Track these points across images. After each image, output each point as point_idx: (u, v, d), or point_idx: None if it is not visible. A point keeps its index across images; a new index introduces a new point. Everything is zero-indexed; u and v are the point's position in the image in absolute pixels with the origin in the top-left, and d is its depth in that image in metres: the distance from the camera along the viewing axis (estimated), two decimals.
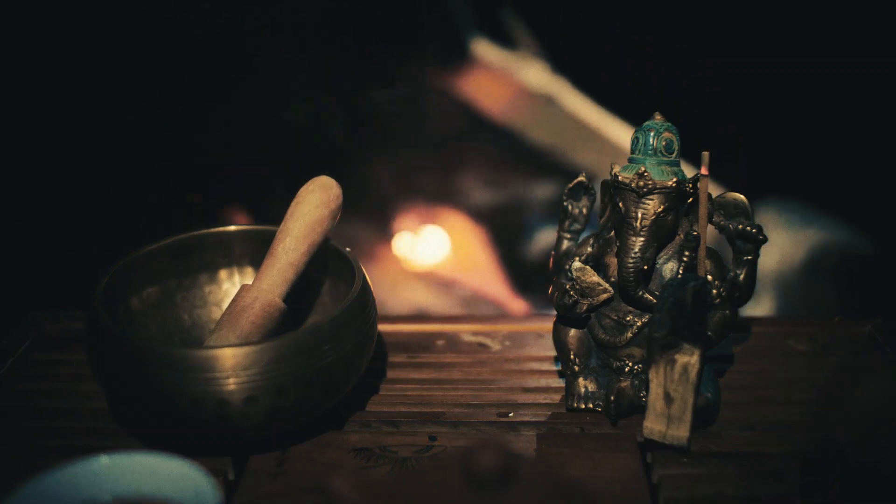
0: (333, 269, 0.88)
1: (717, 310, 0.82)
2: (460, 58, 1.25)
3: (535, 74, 1.26)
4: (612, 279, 0.82)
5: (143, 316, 0.87)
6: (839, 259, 1.24)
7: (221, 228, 0.92)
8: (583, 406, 0.84)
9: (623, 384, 0.82)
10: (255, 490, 0.75)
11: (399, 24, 1.23)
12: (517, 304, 1.32)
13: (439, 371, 0.92)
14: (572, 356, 0.84)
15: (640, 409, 0.81)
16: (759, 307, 1.25)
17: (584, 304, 0.81)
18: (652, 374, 0.76)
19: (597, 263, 0.84)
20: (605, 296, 0.81)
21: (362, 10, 1.22)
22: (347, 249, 0.87)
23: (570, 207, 0.89)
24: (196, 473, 0.65)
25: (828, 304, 1.26)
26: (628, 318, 0.82)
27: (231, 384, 0.73)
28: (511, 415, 0.85)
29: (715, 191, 0.82)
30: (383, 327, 0.97)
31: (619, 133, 1.29)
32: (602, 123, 1.27)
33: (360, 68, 1.25)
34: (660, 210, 0.79)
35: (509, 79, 1.27)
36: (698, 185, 0.80)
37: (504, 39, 1.26)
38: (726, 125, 1.17)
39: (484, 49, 1.25)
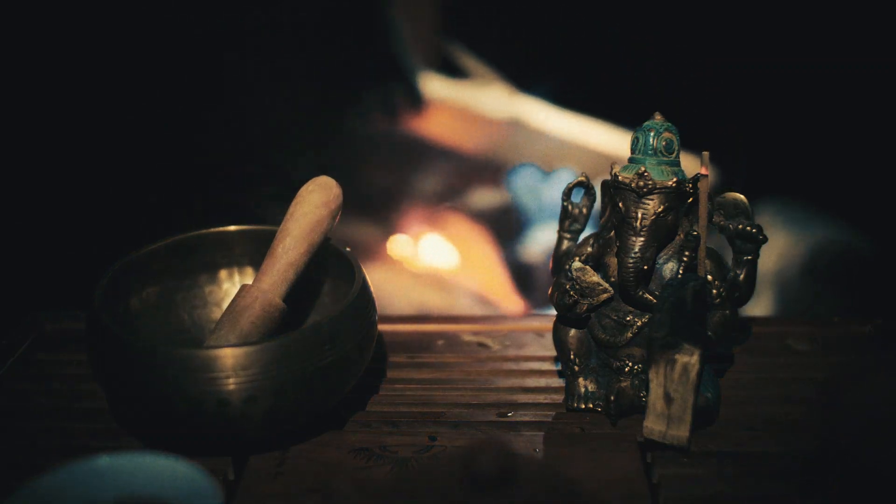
0: (333, 269, 0.88)
1: (717, 310, 0.82)
2: (413, 101, 1.26)
3: (496, 99, 1.26)
4: (612, 279, 0.82)
5: (143, 316, 0.87)
6: (839, 259, 1.24)
7: (221, 228, 0.92)
8: (583, 406, 0.84)
9: (623, 384, 0.82)
10: (255, 490, 0.75)
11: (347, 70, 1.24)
12: (517, 304, 1.31)
13: (439, 371, 0.92)
14: (572, 356, 0.84)
15: (640, 409, 0.81)
16: (759, 307, 1.25)
17: (584, 304, 0.81)
18: (652, 374, 0.76)
19: (597, 263, 0.84)
20: (605, 296, 0.81)
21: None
22: (347, 249, 0.87)
23: (570, 207, 0.89)
24: (196, 473, 0.65)
25: (828, 304, 1.26)
26: (628, 318, 0.82)
27: (231, 384, 0.73)
28: (511, 415, 0.85)
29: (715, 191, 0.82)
30: (383, 327, 0.97)
31: (600, 139, 1.29)
32: (577, 132, 1.27)
33: (359, 69, 1.25)
34: (660, 210, 0.79)
35: (469, 110, 1.27)
36: (698, 185, 0.80)
37: (456, 72, 1.26)
38: (726, 125, 1.17)
39: (437, 86, 1.25)
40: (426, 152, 1.29)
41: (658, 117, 0.82)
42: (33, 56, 1.17)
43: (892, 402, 0.71)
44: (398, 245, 1.33)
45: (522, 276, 1.33)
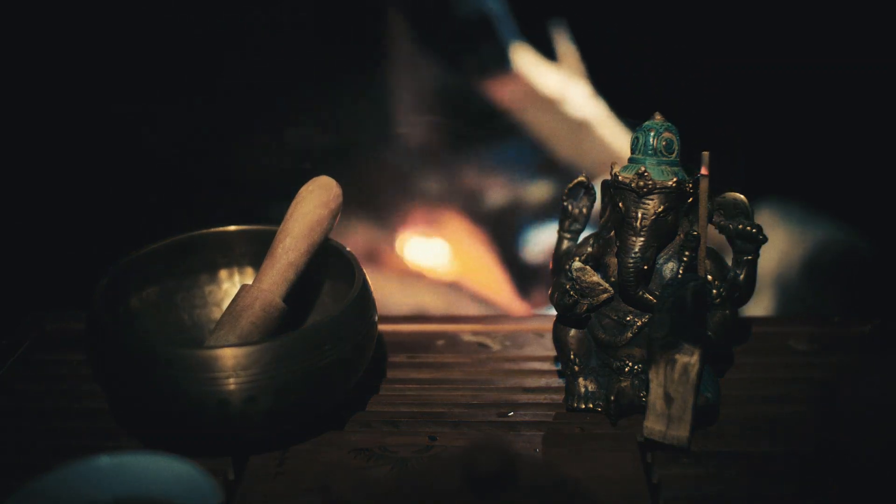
0: (333, 269, 0.88)
1: (717, 310, 0.82)
2: (500, 66, 1.25)
3: (575, 96, 1.25)
4: (612, 279, 0.82)
5: (143, 316, 0.87)
6: (839, 259, 1.24)
7: (221, 228, 0.92)
8: (583, 406, 0.84)
9: (623, 384, 0.82)
10: (255, 490, 0.75)
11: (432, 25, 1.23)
12: (517, 304, 1.31)
13: (439, 371, 0.92)
14: (572, 356, 0.84)
15: (640, 409, 0.81)
16: (759, 307, 1.24)
17: (584, 304, 0.81)
18: (652, 374, 0.76)
19: (597, 263, 0.84)
20: (605, 296, 0.81)
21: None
22: (347, 249, 0.87)
23: (570, 207, 0.89)
24: (196, 473, 0.65)
25: (828, 304, 1.26)
26: (628, 318, 0.82)
27: (231, 384, 0.73)
28: (511, 414, 0.85)
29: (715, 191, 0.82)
30: (383, 327, 0.97)
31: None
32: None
33: (360, 68, 1.25)
34: (660, 210, 0.79)
35: (547, 96, 1.26)
36: (699, 185, 0.80)
37: (548, 53, 1.25)
38: (726, 125, 1.16)
39: (525, 61, 1.24)
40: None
41: (658, 117, 0.82)
42: (33, 56, 1.17)
43: (891, 402, 0.71)
44: (401, 243, 1.33)
45: (522, 276, 1.32)
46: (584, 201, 0.89)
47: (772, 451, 0.78)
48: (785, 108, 1.18)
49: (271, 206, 1.19)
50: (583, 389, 0.84)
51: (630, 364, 0.82)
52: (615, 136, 1.27)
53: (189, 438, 0.77)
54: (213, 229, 0.92)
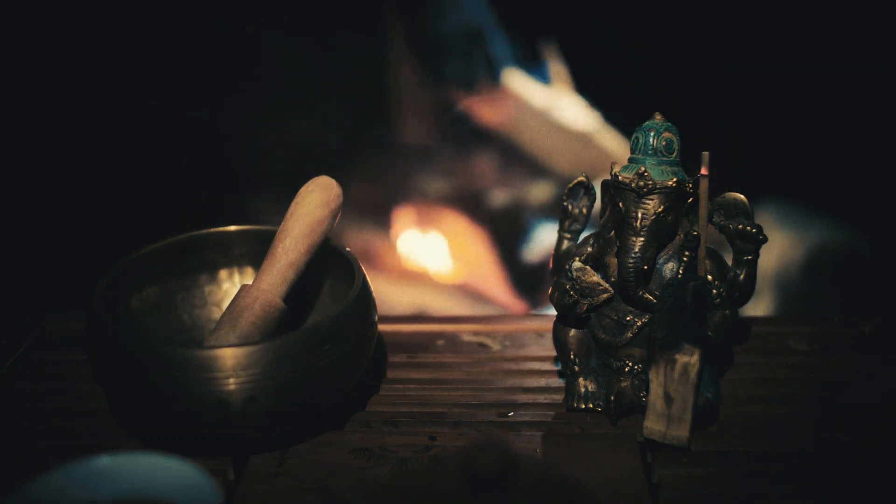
0: (333, 269, 0.88)
1: (717, 310, 0.82)
2: (492, 85, 1.25)
3: (572, 112, 1.26)
4: (612, 279, 0.82)
5: (143, 316, 0.87)
6: (839, 259, 1.24)
7: (221, 228, 0.92)
8: (583, 406, 0.84)
9: (623, 384, 0.82)
10: (255, 490, 0.75)
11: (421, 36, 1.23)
12: (517, 304, 1.31)
13: (439, 371, 0.92)
14: (572, 356, 0.84)
15: (640, 409, 0.81)
16: (759, 307, 1.25)
17: (584, 304, 0.81)
18: (652, 374, 0.76)
19: (597, 263, 0.84)
20: (605, 296, 0.81)
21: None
22: (347, 249, 0.87)
23: (570, 207, 0.89)
24: (196, 473, 0.65)
25: (828, 304, 1.26)
26: (628, 318, 0.82)
27: (231, 384, 0.73)
28: (511, 415, 0.85)
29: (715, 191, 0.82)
30: (383, 327, 0.97)
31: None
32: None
33: (360, 68, 1.25)
34: (660, 210, 0.79)
35: (543, 113, 1.27)
36: (699, 185, 0.80)
37: (540, 74, 1.26)
38: (726, 125, 1.17)
39: (517, 81, 1.25)
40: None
41: (658, 117, 0.82)
42: (34, 56, 1.17)
43: (891, 402, 0.71)
44: (401, 243, 1.33)
45: (522, 276, 1.33)
46: (584, 201, 0.89)
47: (772, 451, 0.78)
48: (785, 108, 1.18)
49: (271, 206, 1.19)
50: (583, 389, 0.84)
51: (630, 364, 0.82)
52: (615, 136, 1.27)
53: (189, 438, 0.77)
54: (213, 229, 0.91)
